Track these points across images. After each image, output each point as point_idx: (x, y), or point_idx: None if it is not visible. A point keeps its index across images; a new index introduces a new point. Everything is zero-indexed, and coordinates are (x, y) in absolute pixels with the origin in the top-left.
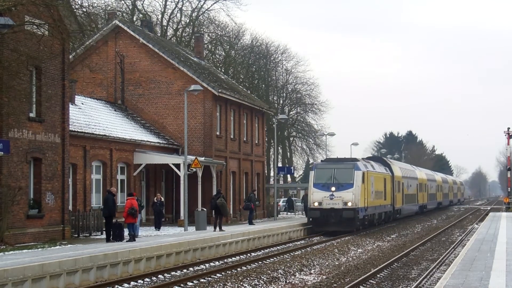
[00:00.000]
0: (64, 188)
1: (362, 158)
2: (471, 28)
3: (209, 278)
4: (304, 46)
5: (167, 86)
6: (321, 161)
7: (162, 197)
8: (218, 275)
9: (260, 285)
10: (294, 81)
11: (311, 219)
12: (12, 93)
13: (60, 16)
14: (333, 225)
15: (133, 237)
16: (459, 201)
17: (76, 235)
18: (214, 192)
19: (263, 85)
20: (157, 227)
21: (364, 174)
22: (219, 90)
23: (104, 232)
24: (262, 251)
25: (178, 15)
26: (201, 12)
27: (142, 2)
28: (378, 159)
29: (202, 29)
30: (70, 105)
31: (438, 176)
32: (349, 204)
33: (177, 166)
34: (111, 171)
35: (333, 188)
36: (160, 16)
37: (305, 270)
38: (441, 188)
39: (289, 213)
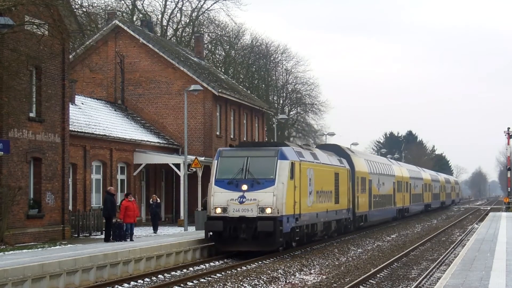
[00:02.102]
0: (64, 188)
1: (304, 145)
2: (471, 28)
3: (209, 278)
4: (304, 46)
5: (167, 86)
6: (230, 146)
7: (158, 199)
8: (218, 275)
9: (260, 285)
10: (294, 81)
11: (210, 234)
12: (12, 93)
13: (60, 16)
14: (244, 243)
15: (131, 237)
16: (453, 202)
17: (76, 235)
18: None
19: (263, 85)
20: (154, 230)
21: (295, 166)
22: (219, 90)
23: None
24: None
25: (178, 15)
26: (201, 12)
27: (142, 2)
28: (332, 147)
29: (202, 29)
30: (70, 105)
31: (426, 173)
32: (268, 210)
33: (177, 166)
34: (111, 171)
35: (244, 187)
36: (160, 16)
37: (305, 270)
38: (430, 188)
39: None
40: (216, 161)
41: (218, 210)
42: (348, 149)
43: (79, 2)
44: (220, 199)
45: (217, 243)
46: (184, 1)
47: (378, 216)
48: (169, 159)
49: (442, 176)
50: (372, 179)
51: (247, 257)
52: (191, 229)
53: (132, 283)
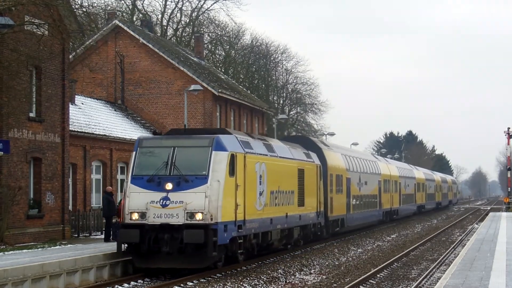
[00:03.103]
0: (64, 188)
1: (259, 134)
2: (471, 28)
3: (209, 278)
4: (304, 46)
5: (167, 86)
6: (154, 133)
7: None
8: (218, 275)
9: (260, 285)
10: (294, 81)
11: (126, 246)
12: (12, 93)
13: (60, 16)
14: (168, 258)
15: None
16: (450, 202)
17: (76, 235)
18: None
19: (263, 85)
20: None
21: (237, 159)
22: (219, 90)
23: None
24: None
25: (178, 15)
26: (201, 12)
27: (142, 2)
28: (300, 139)
29: (202, 29)
30: (70, 105)
31: (420, 172)
32: (199, 216)
33: None
34: (111, 171)
35: (168, 186)
36: (160, 16)
37: (305, 270)
38: (423, 187)
39: None
40: (134, 152)
41: (135, 216)
42: (321, 141)
43: (79, 2)
44: (137, 202)
45: (134, 257)
46: (184, 1)
47: (359, 220)
48: None
49: (437, 175)
50: (351, 177)
51: (174, 276)
52: None
53: (132, 283)
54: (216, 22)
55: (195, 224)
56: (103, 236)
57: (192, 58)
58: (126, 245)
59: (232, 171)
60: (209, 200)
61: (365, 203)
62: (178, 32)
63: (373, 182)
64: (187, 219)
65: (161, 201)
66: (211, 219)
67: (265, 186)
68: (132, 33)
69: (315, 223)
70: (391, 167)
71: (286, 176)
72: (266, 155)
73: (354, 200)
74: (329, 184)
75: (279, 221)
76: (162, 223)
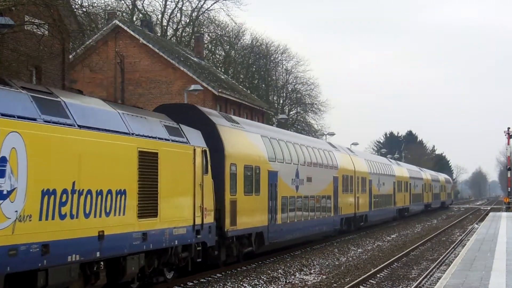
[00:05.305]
0: None
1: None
2: (471, 28)
3: (209, 278)
4: (304, 46)
5: (167, 86)
6: None
7: None
8: (218, 275)
9: (260, 285)
10: (294, 81)
11: None
12: None
13: (60, 16)
14: None
15: None
16: (443, 204)
17: None
18: None
19: (263, 85)
20: None
21: None
22: (219, 90)
23: None
24: None
25: (178, 15)
26: (201, 12)
27: (142, 2)
28: (179, 108)
29: (202, 29)
30: None
31: (402, 168)
32: None
33: None
34: None
35: None
36: (160, 16)
37: (305, 270)
38: (407, 187)
39: None
40: None
41: None
42: (221, 114)
43: (79, 2)
44: None
45: None
46: (184, 1)
47: (295, 231)
48: None
49: (427, 173)
50: (278, 171)
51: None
52: None
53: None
54: (216, 22)
55: None
56: None
57: (192, 58)
58: None
59: None
60: None
61: (307, 207)
62: (178, 32)
63: (323, 179)
64: None
65: None
66: None
67: (22, 181)
68: (132, 33)
69: (189, 245)
70: (357, 160)
71: (102, 164)
72: (34, 119)
73: (286, 205)
74: (228, 181)
75: (74, 247)
76: None
